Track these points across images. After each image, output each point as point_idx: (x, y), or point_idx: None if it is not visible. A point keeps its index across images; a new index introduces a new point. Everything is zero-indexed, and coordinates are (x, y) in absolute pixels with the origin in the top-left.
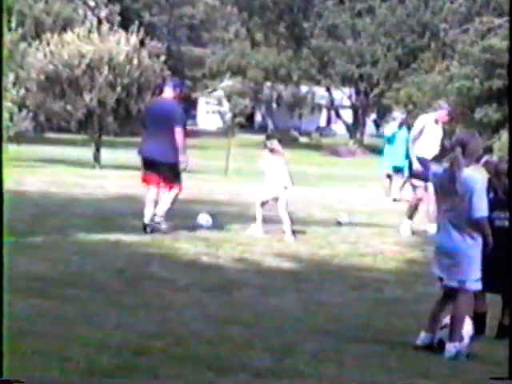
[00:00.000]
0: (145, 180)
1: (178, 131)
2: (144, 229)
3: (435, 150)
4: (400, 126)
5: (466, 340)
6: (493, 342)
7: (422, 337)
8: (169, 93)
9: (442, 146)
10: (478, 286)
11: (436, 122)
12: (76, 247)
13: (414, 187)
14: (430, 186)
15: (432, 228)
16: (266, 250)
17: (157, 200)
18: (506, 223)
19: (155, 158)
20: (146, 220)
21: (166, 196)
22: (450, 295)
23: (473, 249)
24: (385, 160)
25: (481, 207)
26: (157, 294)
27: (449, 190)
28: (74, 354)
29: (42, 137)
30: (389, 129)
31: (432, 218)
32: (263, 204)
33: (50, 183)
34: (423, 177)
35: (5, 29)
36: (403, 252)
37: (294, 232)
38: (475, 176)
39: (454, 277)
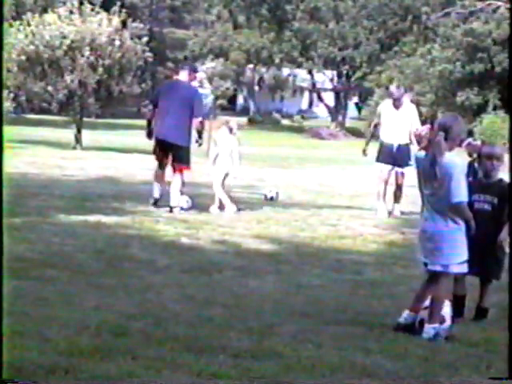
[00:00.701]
0: (158, 159)
1: (198, 121)
2: (155, 203)
3: (398, 132)
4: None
5: (446, 322)
6: (471, 324)
7: (405, 315)
8: (184, 76)
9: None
10: (463, 268)
11: (395, 106)
12: (56, 228)
13: (403, 174)
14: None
15: (396, 208)
16: (245, 232)
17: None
18: (486, 206)
19: (169, 140)
20: (157, 194)
21: (176, 181)
22: (434, 278)
23: (455, 232)
24: None
25: (459, 192)
26: (136, 275)
27: (429, 174)
28: (53, 334)
29: (23, 118)
30: None
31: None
32: (222, 182)
33: (31, 164)
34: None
35: None
36: (382, 234)
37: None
38: (455, 160)
39: (438, 261)
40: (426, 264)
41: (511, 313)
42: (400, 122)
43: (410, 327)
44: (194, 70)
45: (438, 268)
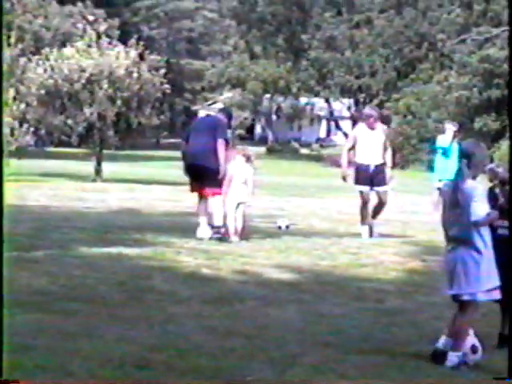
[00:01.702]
0: (194, 190)
1: (221, 143)
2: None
3: (373, 153)
4: (454, 137)
5: (478, 353)
6: (494, 352)
7: (443, 341)
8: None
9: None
10: (492, 295)
11: (370, 128)
12: (77, 261)
13: (385, 192)
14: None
15: (363, 231)
16: (266, 262)
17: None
18: (507, 232)
19: (197, 163)
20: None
21: (216, 202)
22: (462, 307)
23: (480, 261)
24: (437, 172)
25: (477, 212)
26: (158, 307)
27: (452, 201)
28: (76, 367)
29: (43, 151)
30: (443, 139)
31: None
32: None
33: (52, 197)
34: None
35: (4, 44)
36: (403, 262)
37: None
38: (475, 185)
39: (465, 290)
40: (453, 297)
41: (511, 315)
42: (375, 144)
43: (446, 353)
44: (227, 114)
45: (467, 297)
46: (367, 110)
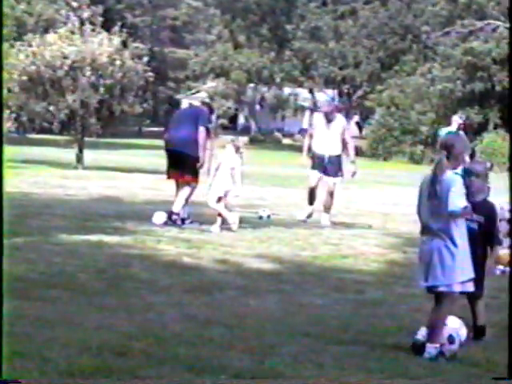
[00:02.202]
0: (170, 177)
1: (203, 130)
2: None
3: (329, 144)
4: (458, 129)
5: (455, 344)
6: (471, 343)
7: (424, 333)
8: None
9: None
10: (466, 287)
11: (327, 119)
12: (58, 248)
13: (334, 184)
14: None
15: (324, 218)
16: (247, 252)
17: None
18: (473, 225)
19: (177, 149)
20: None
21: (185, 191)
22: (438, 299)
23: (456, 253)
24: None
25: (455, 202)
26: (138, 295)
27: (430, 192)
28: (54, 355)
29: (25, 138)
30: (445, 131)
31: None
32: (219, 200)
33: (33, 184)
34: None
35: None
36: (384, 253)
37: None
38: (454, 176)
39: (441, 282)
40: (428, 289)
41: (511, 314)
42: (331, 135)
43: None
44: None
45: (442, 289)
46: (325, 106)
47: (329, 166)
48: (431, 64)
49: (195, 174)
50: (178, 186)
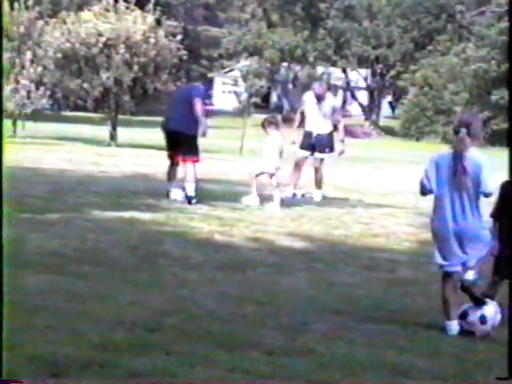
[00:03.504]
0: (169, 156)
1: (198, 103)
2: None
3: (319, 122)
4: None
5: (489, 323)
6: (505, 324)
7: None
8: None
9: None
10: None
11: (318, 98)
12: (91, 224)
13: (321, 160)
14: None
15: (316, 194)
16: (279, 230)
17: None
18: None
19: (176, 130)
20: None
21: (190, 171)
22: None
23: (484, 227)
24: None
25: (489, 183)
26: (170, 272)
27: (455, 169)
28: (87, 329)
29: (59, 115)
30: None
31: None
32: (257, 176)
33: (67, 161)
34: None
35: (22, 6)
36: (416, 233)
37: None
38: (479, 156)
39: (471, 258)
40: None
41: (511, 312)
42: (321, 114)
43: None
44: (207, 87)
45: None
46: (316, 87)
47: (316, 143)
48: (465, 44)
49: (195, 153)
50: (173, 164)
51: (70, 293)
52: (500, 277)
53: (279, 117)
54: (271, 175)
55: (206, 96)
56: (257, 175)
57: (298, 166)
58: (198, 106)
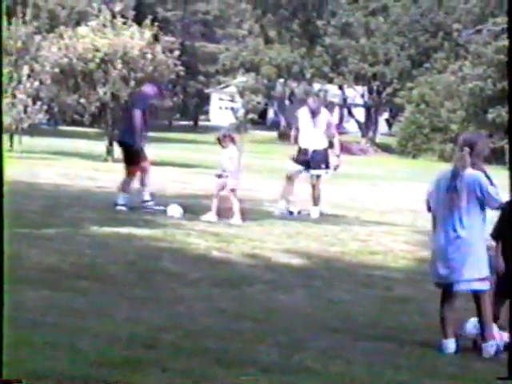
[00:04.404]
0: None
1: (137, 113)
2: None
3: (314, 138)
4: None
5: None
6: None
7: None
8: (147, 89)
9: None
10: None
11: (312, 113)
12: (88, 240)
13: (318, 177)
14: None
15: (314, 211)
16: (276, 247)
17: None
18: None
19: (121, 140)
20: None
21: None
22: (475, 298)
23: (481, 244)
24: None
25: (495, 196)
26: (167, 288)
27: (449, 186)
28: (84, 345)
29: (56, 129)
30: None
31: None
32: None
33: (63, 176)
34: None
35: (20, 21)
36: (413, 250)
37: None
38: (476, 173)
39: (473, 276)
40: (447, 287)
41: (511, 313)
42: (316, 129)
43: None
44: (157, 86)
45: (477, 285)
46: (311, 102)
47: (312, 160)
48: (462, 62)
49: (136, 162)
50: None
51: (67, 309)
52: (503, 296)
53: (262, 134)
54: (232, 189)
55: (147, 102)
56: (218, 191)
57: (290, 179)
58: (136, 120)
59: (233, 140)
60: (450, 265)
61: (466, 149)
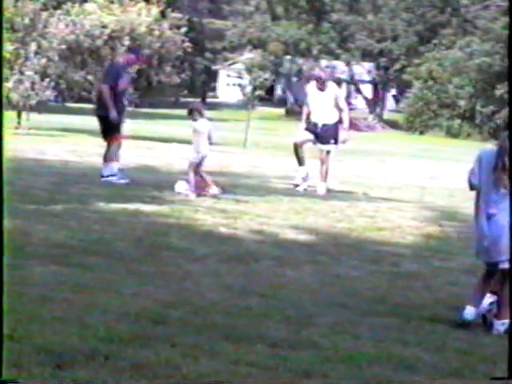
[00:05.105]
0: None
1: (104, 87)
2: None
3: (322, 113)
4: None
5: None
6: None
7: (471, 311)
8: (121, 58)
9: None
10: None
11: (319, 89)
12: (96, 216)
13: (328, 152)
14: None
15: (321, 187)
16: (283, 223)
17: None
18: None
19: (98, 113)
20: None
21: (109, 150)
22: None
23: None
24: None
25: None
26: (175, 264)
27: (495, 165)
28: (93, 321)
29: (64, 106)
30: None
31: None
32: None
33: (71, 152)
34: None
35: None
36: (420, 226)
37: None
38: None
39: (505, 257)
40: (490, 264)
41: (511, 313)
42: (324, 103)
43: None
44: (134, 52)
45: (505, 265)
46: (317, 71)
47: (321, 134)
48: (470, 38)
49: (112, 133)
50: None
51: (75, 284)
52: None
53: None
54: (198, 164)
55: (118, 74)
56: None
57: (296, 147)
58: (104, 95)
59: (200, 113)
60: (491, 243)
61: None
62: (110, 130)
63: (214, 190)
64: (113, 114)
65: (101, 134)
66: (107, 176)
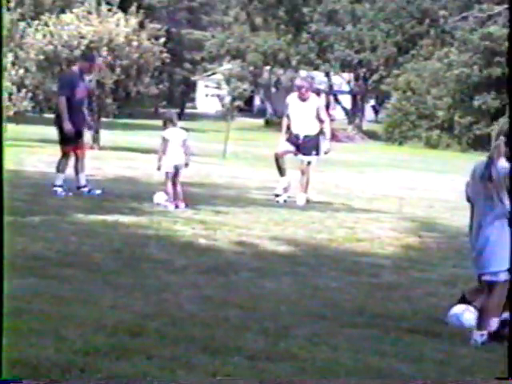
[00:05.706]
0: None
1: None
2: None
3: (304, 124)
4: None
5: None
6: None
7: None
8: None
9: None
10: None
11: (301, 99)
12: (74, 227)
13: (309, 163)
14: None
15: (300, 198)
16: (262, 234)
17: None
18: None
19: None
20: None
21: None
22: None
23: (503, 236)
24: None
25: None
26: (153, 275)
27: (482, 174)
28: (70, 333)
29: (41, 117)
30: None
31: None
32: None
33: (49, 163)
34: None
35: (4, 9)
36: (400, 237)
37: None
38: (507, 165)
39: (487, 269)
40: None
41: (511, 313)
42: (306, 114)
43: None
44: (88, 59)
45: (487, 277)
46: (298, 80)
47: (302, 145)
48: (448, 48)
49: (63, 145)
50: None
51: (53, 296)
52: None
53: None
54: (174, 174)
55: (73, 83)
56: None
57: (277, 158)
58: (60, 106)
59: (172, 122)
60: (477, 255)
61: (502, 138)
62: (64, 141)
63: (181, 206)
64: (67, 127)
65: (59, 143)
66: (54, 186)
